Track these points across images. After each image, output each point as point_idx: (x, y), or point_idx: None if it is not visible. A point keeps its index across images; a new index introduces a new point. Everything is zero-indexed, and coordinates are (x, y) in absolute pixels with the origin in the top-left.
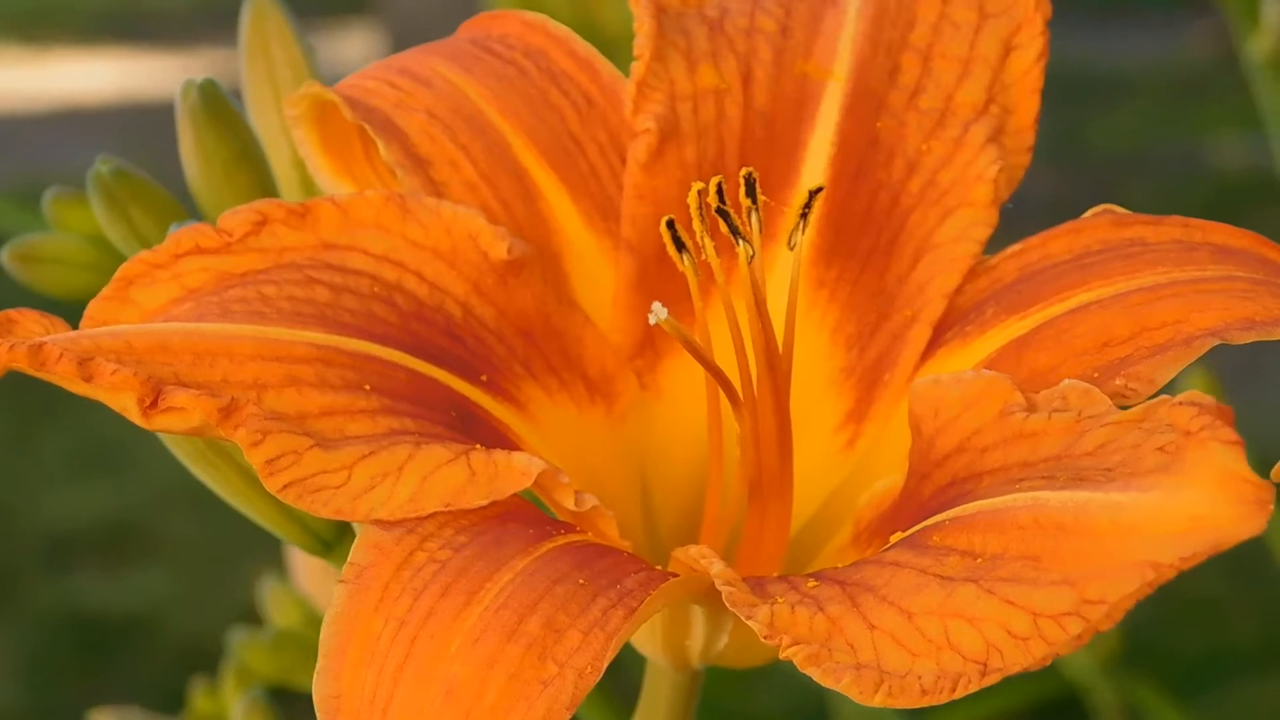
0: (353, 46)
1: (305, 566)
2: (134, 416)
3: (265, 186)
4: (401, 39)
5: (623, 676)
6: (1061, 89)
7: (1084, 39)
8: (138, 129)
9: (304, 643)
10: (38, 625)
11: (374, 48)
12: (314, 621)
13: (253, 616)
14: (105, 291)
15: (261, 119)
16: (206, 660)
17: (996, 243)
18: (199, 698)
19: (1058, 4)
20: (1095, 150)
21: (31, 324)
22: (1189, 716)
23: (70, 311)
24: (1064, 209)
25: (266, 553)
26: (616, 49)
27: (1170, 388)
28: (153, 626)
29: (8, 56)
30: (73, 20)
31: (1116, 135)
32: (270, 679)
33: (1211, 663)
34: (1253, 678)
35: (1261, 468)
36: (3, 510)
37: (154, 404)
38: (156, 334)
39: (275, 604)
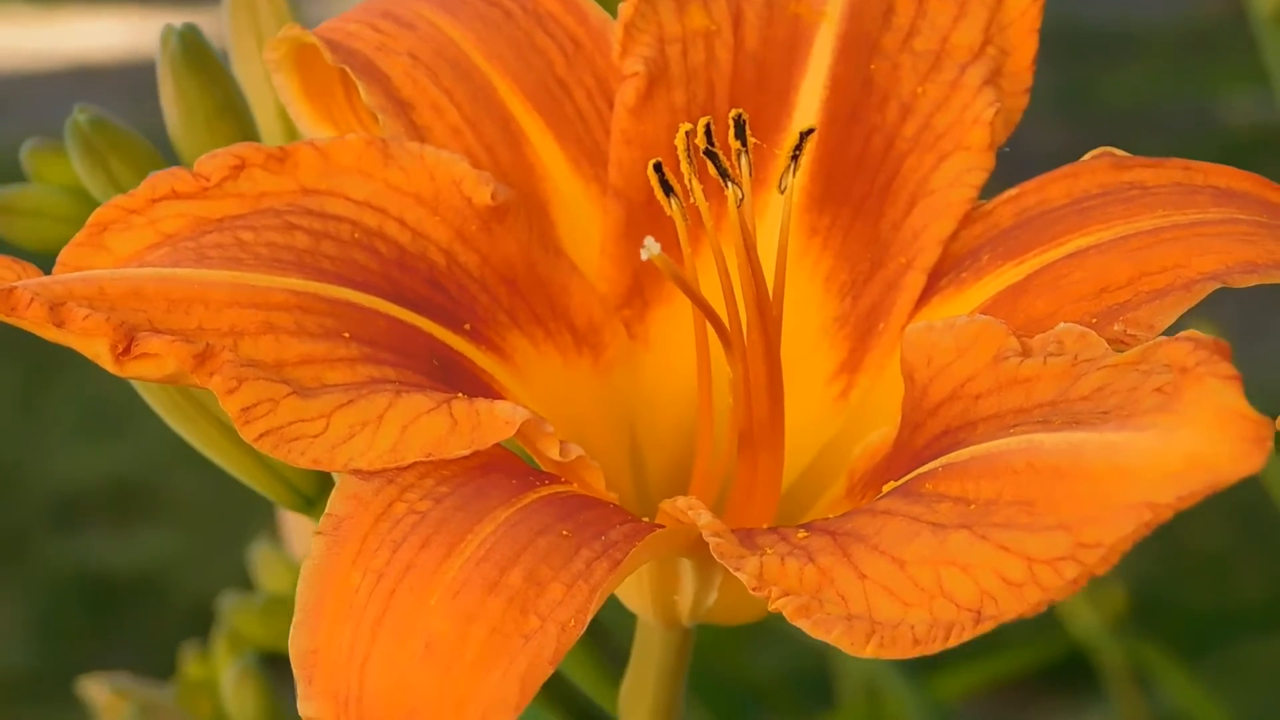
0: None
1: (298, 531)
2: (106, 363)
3: (248, 137)
4: None
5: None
6: (1071, 45)
7: None
8: (147, 87)
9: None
10: (46, 585)
11: None
12: None
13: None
14: (79, 237)
15: (245, 69)
16: (214, 619)
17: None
18: (190, 664)
19: None
20: (1105, 106)
21: (2, 270)
22: (1195, 674)
23: (46, 263)
24: None
25: (272, 512)
26: None
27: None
28: (161, 585)
29: (17, 15)
30: None
31: (1126, 91)
32: (262, 645)
33: (1218, 619)
34: (1259, 634)
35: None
36: (10, 470)
37: (127, 350)
38: (130, 279)
39: (266, 569)
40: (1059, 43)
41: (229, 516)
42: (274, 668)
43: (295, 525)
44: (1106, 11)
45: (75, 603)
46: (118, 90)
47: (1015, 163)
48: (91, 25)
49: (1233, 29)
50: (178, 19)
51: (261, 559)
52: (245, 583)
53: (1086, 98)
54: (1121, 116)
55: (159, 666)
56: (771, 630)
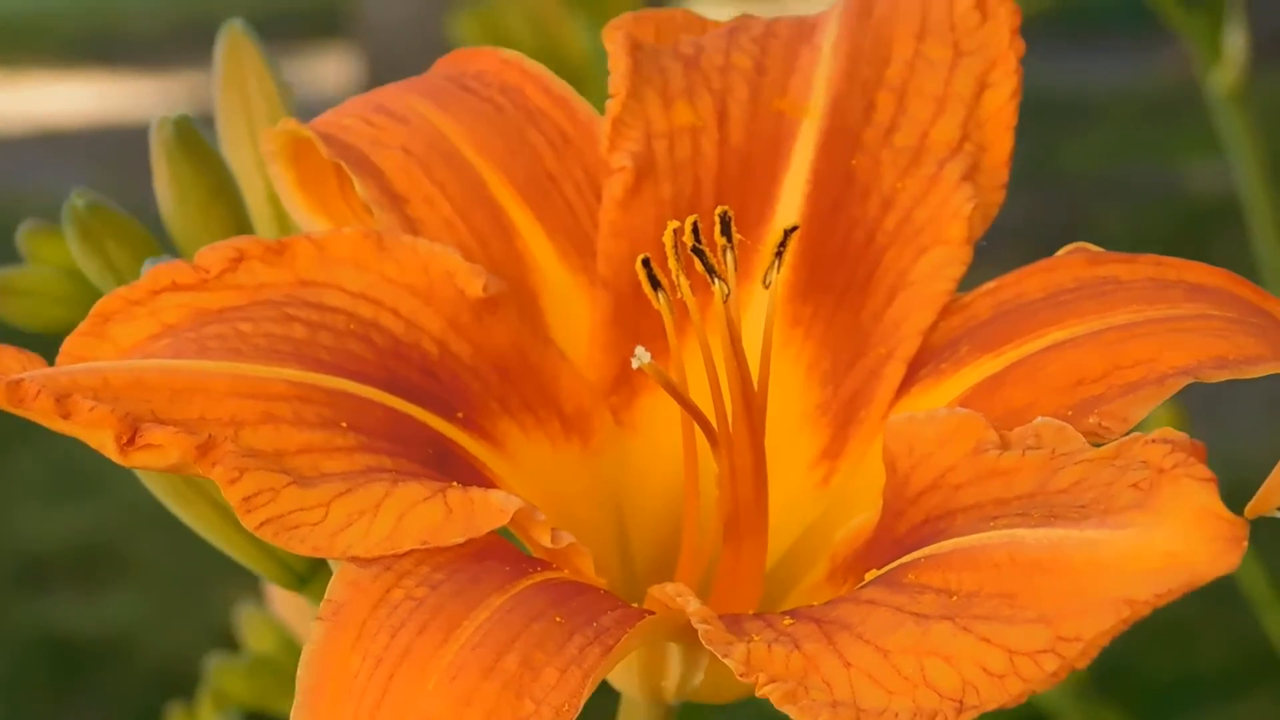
0: (329, 69)
1: (282, 592)
2: (111, 453)
3: (240, 221)
4: (378, 61)
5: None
6: (1033, 112)
7: (1055, 63)
8: (114, 152)
9: (280, 668)
10: (11, 647)
11: (351, 70)
12: (290, 647)
13: (227, 639)
14: (82, 327)
15: (236, 153)
16: (180, 683)
17: (970, 268)
18: None
19: (1028, 27)
20: (1067, 174)
21: (8, 360)
22: None
23: (42, 344)
24: (1036, 233)
25: (240, 576)
26: (581, 78)
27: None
28: (127, 649)
29: None
30: (49, 43)
31: (1088, 159)
32: (246, 704)
33: (1180, 687)
34: (1221, 702)
35: (1228, 494)
36: None
37: (131, 441)
38: (134, 371)
39: (251, 629)
40: (1021, 111)
41: (195, 579)
42: None
43: (279, 588)
44: (1068, 80)
45: (41, 665)
46: (84, 154)
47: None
48: (58, 90)
49: (1192, 98)
50: (144, 84)
51: (246, 619)
52: (211, 645)
53: (1049, 166)
54: (1084, 184)
55: None
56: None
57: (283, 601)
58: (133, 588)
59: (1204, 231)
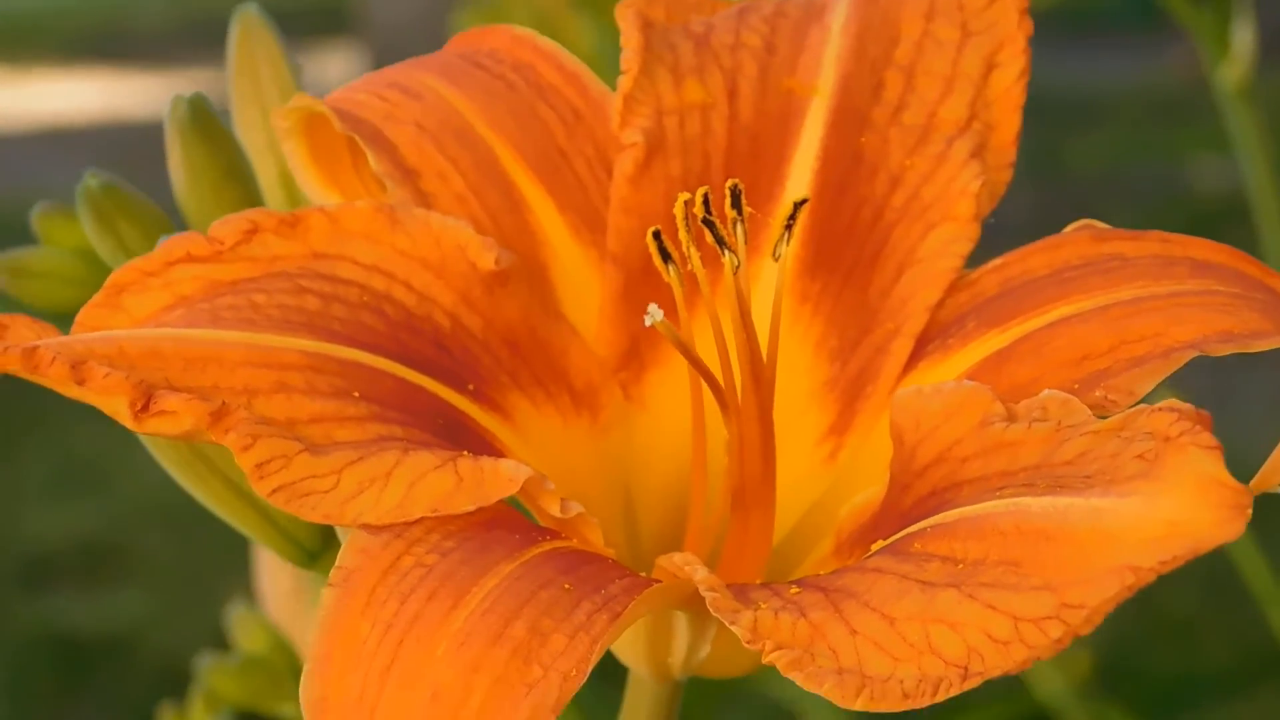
0: (334, 65)
1: (273, 593)
2: (125, 420)
3: (253, 202)
4: (382, 58)
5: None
6: (1038, 111)
7: (1061, 60)
8: (120, 148)
9: (271, 668)
10: (15, 645)
11: (355, 67)
12: (281, 647)
13: (230, 638)
14: (97, 298)
15: (248, 136)
16: (184, 680)
17: (974, 262)
18: None
19: (1036, 24)
20: (1072, 172)
21: (24, 329)
22: None
23: (57, 325)
24: (1042, 231)
25: (244, 573)
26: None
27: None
28: (130, 646)
29: None
30: (54, 40)
31: (1093, 157)
32: (238, 704)
33: (1184, 683)
34: (1225, 698)
35: None
36: None
37: (145, 408)
38: (148, 339)
39: (243, 629)
40: (1027, 107)
41: (198, 577)
42: None
43: (270, 587)
44: (1073, 78)
45: (44, 663)
46: (90, 151)
47: (984, 227)
48: (63, 87)
49: (1198, 96)
50: (149, 81)
51: (237, 619)
52: (215, 643)
53: (1054, 164)
54: (1089, 183)
55: None
56: (739, 690)
57: (274, 602)
58: (137, 585)
59: (1211, 229)
